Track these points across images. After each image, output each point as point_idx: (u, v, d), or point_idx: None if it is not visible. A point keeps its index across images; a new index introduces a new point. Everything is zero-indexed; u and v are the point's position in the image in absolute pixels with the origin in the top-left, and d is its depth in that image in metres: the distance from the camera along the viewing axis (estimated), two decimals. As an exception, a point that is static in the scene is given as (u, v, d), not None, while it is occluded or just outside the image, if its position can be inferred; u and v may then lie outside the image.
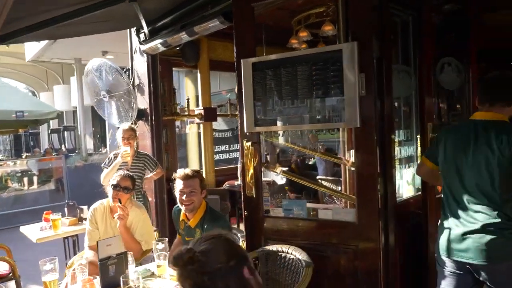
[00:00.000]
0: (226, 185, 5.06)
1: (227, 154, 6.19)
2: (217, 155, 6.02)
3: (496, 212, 1.86)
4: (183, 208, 2.45)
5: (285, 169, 5.45)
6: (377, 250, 2.25)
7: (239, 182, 4.76)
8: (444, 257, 2.00)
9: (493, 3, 4.53)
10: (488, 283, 1.91)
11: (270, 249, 2.48)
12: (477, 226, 1.88)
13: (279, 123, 2.46)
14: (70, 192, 7.49)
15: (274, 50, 3.63)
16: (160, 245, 2.28)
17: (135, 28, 4.36)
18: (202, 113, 5.22)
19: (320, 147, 5.36)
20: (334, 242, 2.38)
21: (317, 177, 5.15)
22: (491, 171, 1.86)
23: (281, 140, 5.42)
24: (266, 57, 2.49)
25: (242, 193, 2.67)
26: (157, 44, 3.99)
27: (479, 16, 5.18)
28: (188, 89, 6.05)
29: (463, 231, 1.92)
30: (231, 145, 6.18)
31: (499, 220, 1.85)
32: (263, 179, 4.91)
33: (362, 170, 2.23)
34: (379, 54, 2.22)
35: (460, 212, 1.94)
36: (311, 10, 3.94)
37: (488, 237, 1.85)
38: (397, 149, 2.87)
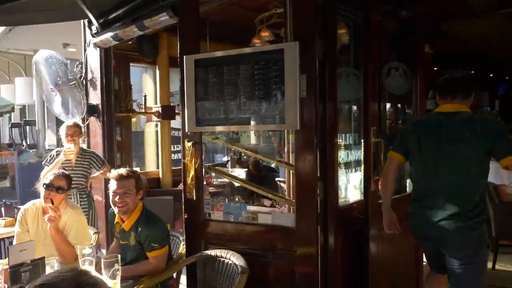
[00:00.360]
0: (181, 185, 4.93)
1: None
2: (176, 154, 5.86)
3: (466, 201, 2.00)
4: (116, 209, 2.32)
5: (244, 170, 5.42)
6: (315, 256, 2.20)
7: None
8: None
9: (443, 13, 4.64)
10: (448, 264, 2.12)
11: (209, 254, 2.39)
12: (445, 214, 2.02)
13: (221, 123, 2.37)
14: (22, 190, 7.12)
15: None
16: (87, 250, 2.13)
17: (87, 19, 4.16)
18: (160, 111, 5.07)
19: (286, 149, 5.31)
20: (273, 247, 2.31)
21: (276, 179, 5.10)
22: (467, 159, 2.00)
23: (252, 141, 5.33)
24: (208, 54, 2.39)
25: (183, 195, 2.56)
26: (108, 37, 3.81)
27: (437, 24, 5.30)
28: (148, 86, 5.87)
29: (432, 219, 2.06)
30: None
31: (466, 208, 2.00)
32: (220, 180, 4.84)
33: (301, 174, 2.17)
34: (323, 55, 2.16)
35: (431, 201, 2.08)
36: (273, 10, 3.88)
37: (453, 226, 2.01)
38: (344, 152, 2.85)
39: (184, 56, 2.41)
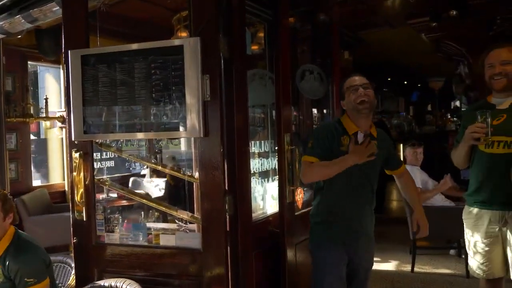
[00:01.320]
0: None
1: (99, 163, 5.48)
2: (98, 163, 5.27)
3: None
4: None
5: (163, 180, 5.03)
6: (225, 281, 1.95)
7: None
8: None
9: (359, 21, 4.76)
10: None
11: (102, 284, 2.02)
12: None
13: (114, 131, 2.03)
14: None
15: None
16: None
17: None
18: (65, 116, 4.50)
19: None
20: (179, 272, 2.02)
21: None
22: None
23: (183, 148, 4.95)
24: (97, 49, 2.05)
25: (71, 216, 2.17)
26: (-10, 29, 3.25)
27: (354, 32, 5.43)
28: (52, 88, 5.23)
29: None
30: (105, 153, 5.49)
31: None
32: (137, 190, 4.41)
33: (206, 188, 1.92)
34: (229, 54, 1.93)
35: None
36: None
37: None
38: (261, 161, 2.66)
39: (69, 51, 2.03)
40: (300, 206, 2.42)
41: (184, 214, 2.15)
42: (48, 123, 4.85)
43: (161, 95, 1.92)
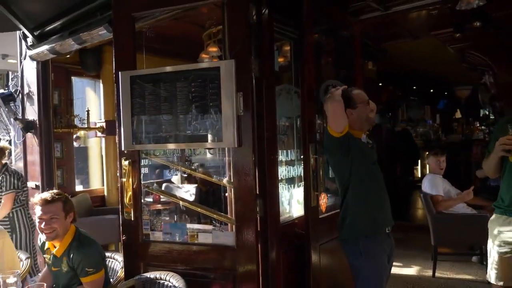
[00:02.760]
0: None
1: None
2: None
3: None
4: (43, 236, 2.18)
5: (193, 186, 5.32)
6: (255, 275, 2.17)
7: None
8: None
9: (382, 34, 4.91)
10: None
11: (148, 276, 2.30)
12: None
13: (158, 141, 2.31)
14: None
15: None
16: (11, 279, 1.97)
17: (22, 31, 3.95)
18: (104, 126, 4.89)
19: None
20: (215, 267, 2.27)
21: (227, 194, 5.04)
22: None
23: (208, 156, 5.23)
24: (144, 71, 2.35)
25: (120, 216, 2.46)
26: (44, 50, 3.63)
27: (377, 44, 5.58)
28: (92, 100, 5.65)
29: None
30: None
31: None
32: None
33: (239, 192, 2.16)
34: (259, 73, 2.18)
35: None
36: (212, 27, 3.88)
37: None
38: (287, 168, 2.87)
39: (119, 73, 2.34)
40: (323, 210, 2.62)
41: (220, 215, 2.38)
42: (83, 132, 5.26)
43: (200, 110, 2.19)
